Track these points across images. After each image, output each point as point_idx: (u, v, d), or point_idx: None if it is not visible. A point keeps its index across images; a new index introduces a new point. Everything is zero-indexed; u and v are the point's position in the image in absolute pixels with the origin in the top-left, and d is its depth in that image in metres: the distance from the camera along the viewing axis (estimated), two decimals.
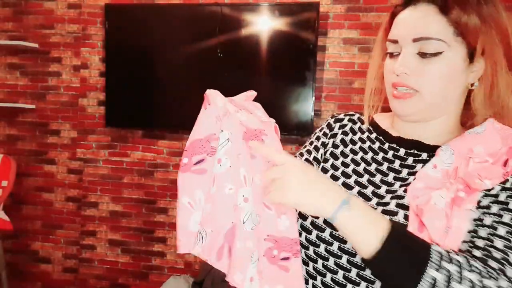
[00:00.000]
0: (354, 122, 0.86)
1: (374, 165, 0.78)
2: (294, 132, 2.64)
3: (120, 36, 2.80)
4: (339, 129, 0.86)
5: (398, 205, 0.69)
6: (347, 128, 0.85)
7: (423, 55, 0.68)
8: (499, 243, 0.59)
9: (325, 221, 0.73)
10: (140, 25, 2.77)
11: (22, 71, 3.00)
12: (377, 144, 0.80)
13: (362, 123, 0.85)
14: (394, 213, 0.69)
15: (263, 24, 2.59)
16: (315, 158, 0.85)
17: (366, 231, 0.59)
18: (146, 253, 2.89)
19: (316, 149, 0.86)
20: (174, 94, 2.77)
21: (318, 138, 0.88)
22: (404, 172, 0.74)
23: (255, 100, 0.80)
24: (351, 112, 0.88)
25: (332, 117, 0.89)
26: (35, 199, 3.01)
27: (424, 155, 0.74)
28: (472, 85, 0.70)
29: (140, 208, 2.89)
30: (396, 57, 0.71)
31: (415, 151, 0.75)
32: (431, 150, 0.73)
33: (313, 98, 2.56)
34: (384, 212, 0.70)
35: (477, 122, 0.70)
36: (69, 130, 2.97)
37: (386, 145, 0.79)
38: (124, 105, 2.84)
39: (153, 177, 2.87)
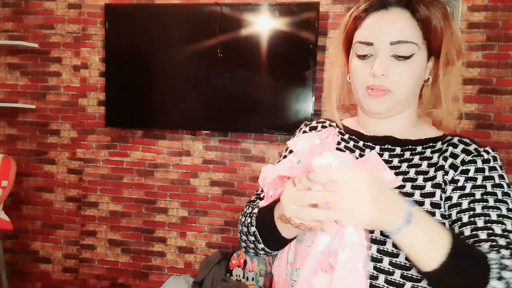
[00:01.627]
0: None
1: None
2: (294, 132, 2.64)
3: (120, 36, 2.80)
4: None
5: None
6: None
7: (398, 57, 0.72)
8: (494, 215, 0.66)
9: None
10: (140, 25, 2.77)
11: (22, 71, 3.00)
12: (352, 143, 0.84)
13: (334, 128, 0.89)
14: None
15: (263, 24, 2.59)
16: None
17: (429, 247, 0.58)
18: (146, 253, 2.89)
19: None
20: (174, 94, 2.77)
21: None
22: None
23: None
24: (322, 120, 0.93)
25: (305, 125, 0.93)
26: (35, 199, 3.01)
27: (398, 150, 0.79)
28: (426, 81, 0.78)
29: (140, 208, 2.89)
30: (368, 59, 0.74)
31: (389, 146, 0.80)
32: (403, 144, 0.79)
33: (313, 98, 2.56)
34: None
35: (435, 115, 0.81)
36: (69, 130, 2.97)
37: (361, 143, 0.83)
38: (124, 105, 2.84)
39: (153, 177, 2.87)
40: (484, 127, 2.48)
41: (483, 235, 0.64)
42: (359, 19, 0.76)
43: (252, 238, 0.80)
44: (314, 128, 0.91)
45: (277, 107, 2.62)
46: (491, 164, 0.72)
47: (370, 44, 0.73)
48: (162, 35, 2.75)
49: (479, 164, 0.71)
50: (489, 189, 0.69)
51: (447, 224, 0.70)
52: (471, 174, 0.71)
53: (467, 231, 0.67)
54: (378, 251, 0.71)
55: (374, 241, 0.72)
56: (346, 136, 0.86)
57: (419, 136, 0.79)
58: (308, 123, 0.94)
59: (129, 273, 2.92)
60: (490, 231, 0.64)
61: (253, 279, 2.50)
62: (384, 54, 0.72)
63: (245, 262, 2.54)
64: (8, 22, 2.99)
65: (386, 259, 0.70)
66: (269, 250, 0.80)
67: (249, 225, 0.80)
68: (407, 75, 0.73)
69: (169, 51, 2.74)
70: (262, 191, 0.87)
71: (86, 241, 2.96)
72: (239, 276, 2.52)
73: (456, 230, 0.68)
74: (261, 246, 0.79)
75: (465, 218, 0.67)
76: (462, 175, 0.71)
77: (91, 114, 2.93)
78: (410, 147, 0.78)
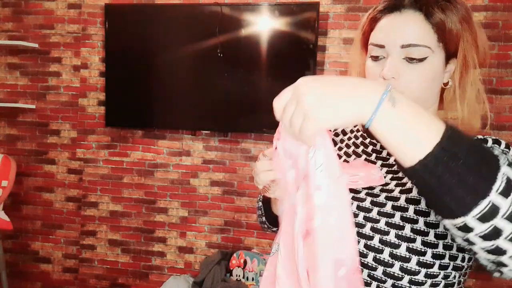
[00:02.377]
0: None
1: (353, 157, 0.84)
2: None
3: (120, 36, 2.80)
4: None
5: (368, 194, 0.74)
6: (338, 130, 0.93)
7: (410, 60, 0.71)
8: None
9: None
10: (140, 25, 2.77)
11: (22, 71, 3.00)
12: (360, 139, 0.87)
13: None
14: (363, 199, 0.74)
15: (263, 24, 2.59)
16: None
17: (418, 126, 0.49)
18: (146, 253, 2.89)
19: None
20: (174, 94, 2.77)
21: None
22: (378, 163, 0.80)
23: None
24: None
25: None
26: (35, 199, 3.01)
27: None
28: (446, 84, 0.76)
29: (140, 208, 2.89)
30: (380, 61, 0.74)
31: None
32: None
33: None
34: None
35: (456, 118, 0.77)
36: (69, 130, 2.97)
37: (368, 140, 0.85)
38: (124, 105, 2.84)
39: (153, 177, 2.87)
40: (484, 127, 2.48)
41: None
42: (374, 21, 0.76)
43: (259, 212, 0.95)
44: None
45: None
46: (503, 147, 0.68)
47: (382, 46, 0.73)
48: (162, 35, 2.75)
49: (490, 143, 0.69)
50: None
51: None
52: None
53: None
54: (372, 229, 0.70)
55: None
56: (359, 134, 0.88)
57: None
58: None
59: (129, 273, 2.92)
60: None
61: (253, 279, 2.50)
62: (395, 57, 0.72)
63: (245, 262, 2.54)
64: (8, 22, 2.99)
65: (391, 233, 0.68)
66: (269, 225, 0.94)
67: (259, 200, 0.96)
68: (418, 78, 0.71)
69: (169, 51, 2.74)
70: None
71: (86, 241, 2.96)
72: (239, 276, 2.52)
73: None
74: (263, 219, 0.94)
75: None
76: None
77: (91, 114, 2.93)
78: None
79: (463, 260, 0.69)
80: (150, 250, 2.88)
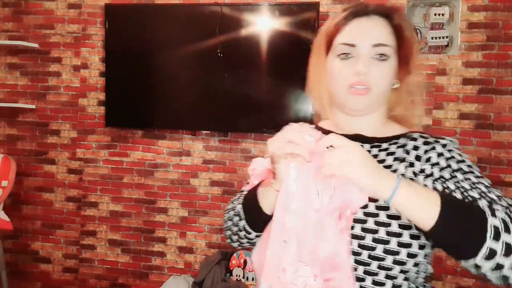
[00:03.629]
0: None
1: None
2: None
3: (120, 36, 2.80)
4: None
5: None
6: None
7: (378, 58, 0.81)
8: (467, 186, 0.75)
9: None
10: (140, 25, 2.77)
11: (22, 71, 3.00)
12: None
13: None
14: None
15: (263, 24, 2.59)
16: None
17: (424, 205, 0.67)
18: (146, 253, 2.89)
19: None
20: (174, 94, 2.77)
21: None
22: None
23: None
24: (302, 122, 0.99)
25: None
26: (35, 199, 3.01)
27: (367, 147, 0.87)
28: (393, 85, 0.87)
29: (140, 208, 2.89)
30: (349, 60, 0.83)
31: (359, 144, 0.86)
32: (371, 141, 0.87)
33: None
34: None
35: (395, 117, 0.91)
36: (69, 130, 2.97)
37: None
38: (124, 105, 2.84)
39: (153, 177, 2.87)
40: (484, 127, 2.48)
41: None
42: (341, 25, 0.84)
43: (236, 218, 0.90)
44: None
45: (277, 107, 2.62)
46: (449, 147, 0.81)
47: (352, 45, 0.82)
48: (162, 35, 2.75)
49: (438, 149, 0.81)
50: (454, 167, 0.78)
51: None
52: (433, 160, 0.80)
53: None
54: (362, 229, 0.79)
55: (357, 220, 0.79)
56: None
57: (386, 134, 0.88)
58: (290, 124, 0.99)
59: (129, 273, 2.92)
60: (470, 198, 0.73)
61: (253, 279, 2.50)
62: (366, 55, 0.81)
63: (245, 262, 2.54)
64: (8, 22, 2.99)
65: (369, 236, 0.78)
66: (249, 229, 0.88)
67: (236, 205, 0.92)
68: (384, 75, 0.82)
69: (169, 51, 2.74)
70: (248, 184, 0.95)
71: (86, 241, 2.96)
72: (239, 276, 2.52)
73: None
74: (242, 223, 0.88)
75: None
76: (427, 163, 0.80)
77: (91, 114, 2.93)
78: (377, 144, 0.87)
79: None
80: (150, 250, 2.88)
